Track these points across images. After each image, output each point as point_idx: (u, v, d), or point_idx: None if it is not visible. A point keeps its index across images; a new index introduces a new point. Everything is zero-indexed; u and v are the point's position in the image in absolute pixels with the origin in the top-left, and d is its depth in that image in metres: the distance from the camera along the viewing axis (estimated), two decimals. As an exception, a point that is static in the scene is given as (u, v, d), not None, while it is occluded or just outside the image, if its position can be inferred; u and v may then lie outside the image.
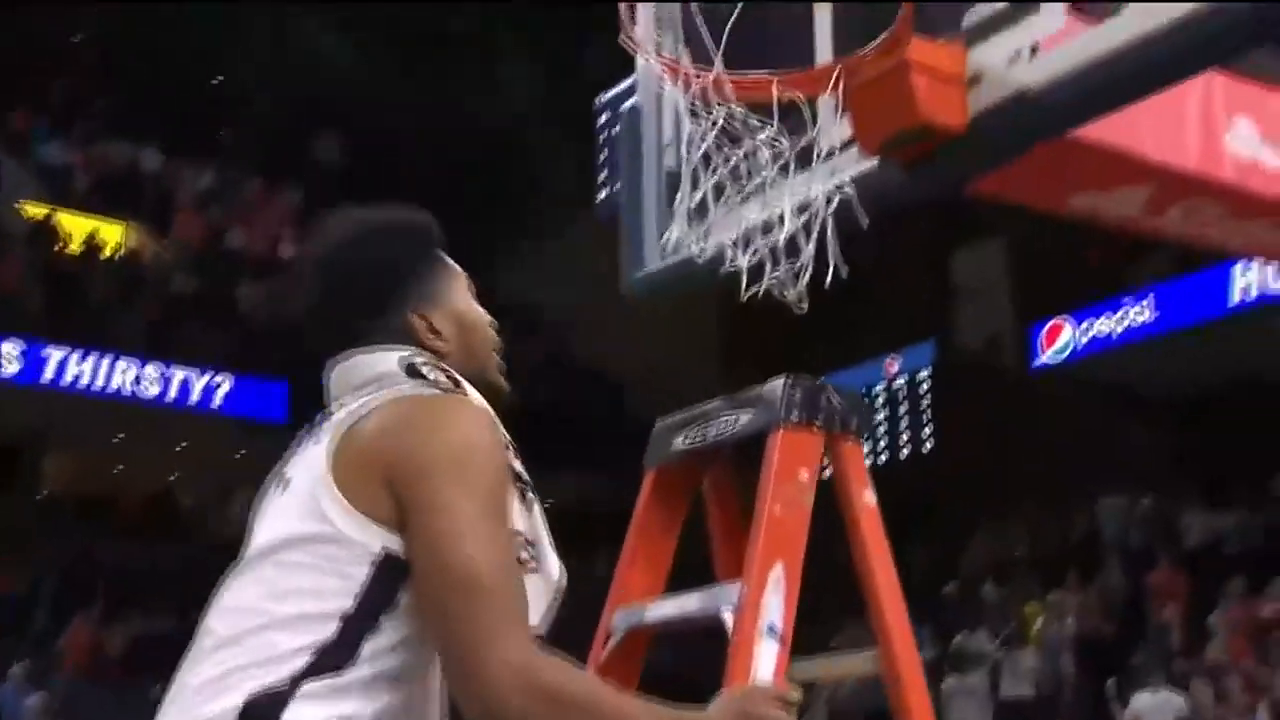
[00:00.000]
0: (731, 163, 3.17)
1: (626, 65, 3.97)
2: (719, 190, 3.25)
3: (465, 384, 1.75)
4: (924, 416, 16.20)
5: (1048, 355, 14.18)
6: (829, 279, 3.05)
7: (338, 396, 1.76)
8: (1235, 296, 12.25)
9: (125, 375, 14.78)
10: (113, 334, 14.88)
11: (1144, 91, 2.90)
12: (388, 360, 1.74)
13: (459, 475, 1.58)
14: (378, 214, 1.87)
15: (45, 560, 14.14)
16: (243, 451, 14.73)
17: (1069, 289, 14.06)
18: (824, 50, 3.26)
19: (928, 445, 16.03)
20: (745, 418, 2.85)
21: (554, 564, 1.69)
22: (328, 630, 1.56)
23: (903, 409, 16.33)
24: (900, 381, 16.39)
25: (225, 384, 15.17)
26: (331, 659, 1.55)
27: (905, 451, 16.11)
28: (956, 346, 16.61)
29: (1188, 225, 3.50)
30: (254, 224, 17.13)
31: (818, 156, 3.19)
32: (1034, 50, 2.97)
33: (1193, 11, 2.67)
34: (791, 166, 3.18)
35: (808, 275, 3.14)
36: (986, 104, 3.00)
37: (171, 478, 16.56)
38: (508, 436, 1.70)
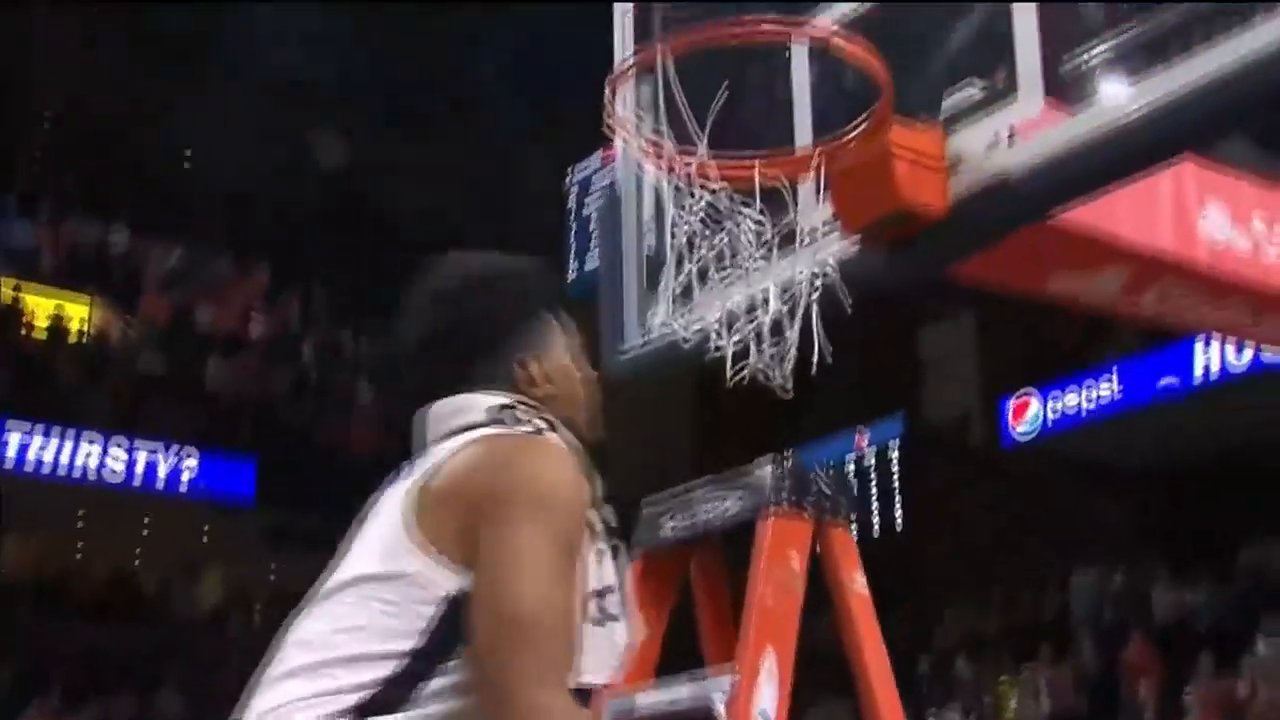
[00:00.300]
0: (715, 245, 3.19)
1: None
2: (703, 273, 3.27)
3: (559, 428, 1.76)
4: (894, 491, 16.22)
5: (1017, 430, 14.26)
6: (814, 362, 3.07)
7: (430, 440, 1.77)
8: (1198, 372, 12.39)
9: (89, 455, 14.57)
10: (77, 413, 14.71)
11: (1120, 179, 2.96)
12: (480, 404, 1.76)
13: (532, 513, 1.58)
14: (499, 259, 1.90)
15: (2, 645, 13.82)
16: (208, 531, 14.52)
17: (1036, 364, 14.19)
18: (805, 134, 3.31)
19: (899, 520, 16.02)
20: (733, 502, 2.84)
21: (624, 620, 1.70)
22: (388, 669, 1.56)
23: (873, 483, 16.35)
24: (870, 456, 16.43)
25: (192, 463, 15.00)
26: (390, 696, 1.55)
27: (876, 526, 16.09)
28: (926, 421, 16.68)
29: (1164, 307, 3.55)
30: (223, 302, 17.08)
31: (800, 239, 3.22)
32: (1012, 136, 3.03)
33: (1166, 103, 2.73)
34: (775, 249, 3.21)
35: (792, 358, 3.16)
36: (967, 188, 3.06)
37: (134, 559, 16.29)
38: (593, 489, 1.69)
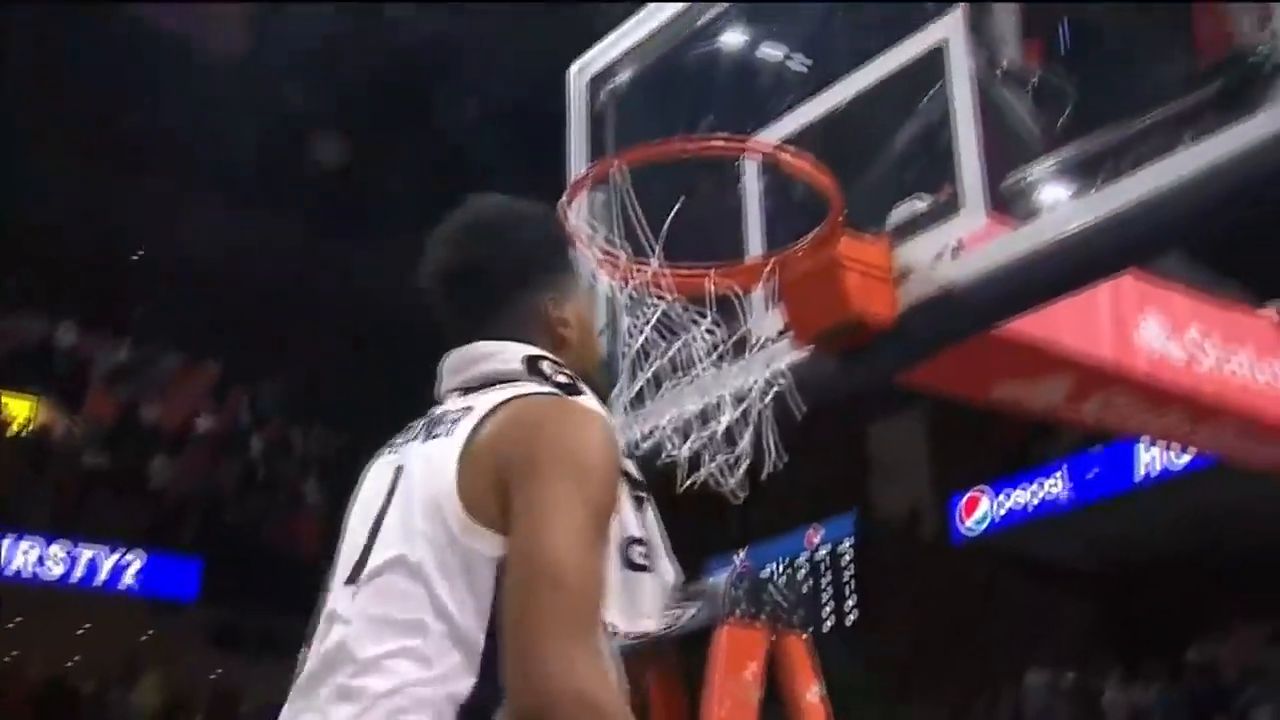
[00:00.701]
0: (669, 353, 3.23)
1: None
2: (657, 380, 3.31)
3: (584, 385, 1.76)
4: (847, 588, 16.18)
5: (967, 527, 14.35)
6: (767, 469, 3.10)
7: (453, 387, 1.76)
8: (1140, 471, 12.57)
9: (28, 555, 14.25)
10: (18, 512, 14.42)
11: (1061, 292, 3.04)
12: (511, 354, 1.75)
13: (567, 473, 1.58)
14: (524, 201, 1.91)
15: (-68, 751, 13.35)
16: (150, 633, 14.18)
17: (985, 462, 14.33)
18: (757, 244, 3.38)
19: (851, 617, 15.97)
20: (690, 612, 2.84)
21: (667, 565, 1.71)
22: (479, 648, 1.56)
23: (825, 580, 16.31)
24: (823, 552, 16.42)
25: (136, 562, 14.69)
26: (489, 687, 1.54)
27: (829, 624, 16.03)
28: (878, 518, 16.74)
29: (1106, 414, 3.63)
30: (169, 399, 16.90)
31: (752, 347, 3.27)
32: (957, 249, 3.12)
33: (1105, 219, 2.83)
34: (727, 357, 3.26)
35: (745, 464, 3.18)
36: (914, 300, 3.13)
37: (69, 662, 15.85)
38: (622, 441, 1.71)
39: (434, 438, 1.69)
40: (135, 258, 18.22)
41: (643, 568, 1.67)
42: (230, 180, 16.73)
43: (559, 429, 1.62)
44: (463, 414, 1.68)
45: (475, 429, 1.65)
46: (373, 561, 1.67)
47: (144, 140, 16.56)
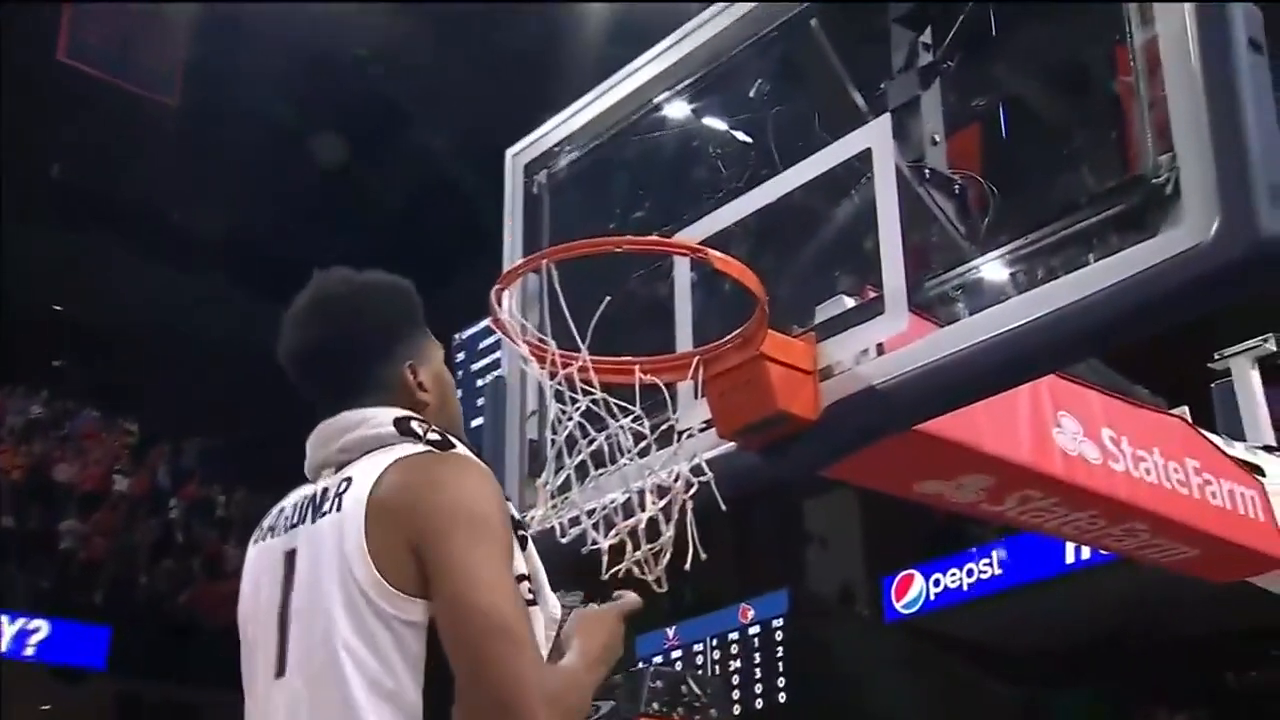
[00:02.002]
0: (594, 444, 3.31)
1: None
2: (581, 470, 3.38)
3: (453, 438, 1.86)
4: (779, 665, 16.19)
5: (901, 606, 14.47)
6: (688, 559, 3.18)
7: (324, 461, 1.84)
8: (1070, 556, 12.78)
9: (-75, 619, 13.90)
10: (-83, 573, 14.09)
11: (981, 394, 3.17)
12: (380, 419, 1.84)
13: (475, 533, 1.70)
14: (376, 273, 2.01)
15: None
16: (53, 704, 13.83)
17: (919, 541, 14.50)
18: (685, 339, 3.48)
19: (782, 695, 15.96)
20: (606, 707, 2.90)
21: (551, 598, 1.84)
22: (413, 711, 1.66)
23: (757, 658, 16.32)
24: (755, 629, 16.44)
25: (41, 629, 14.35)
26: None
27: (759, 702, 16.01)
28: (811, 595, 16.81)
29: (1024, 513, 3.76)
30: (85, 457, 16.62)
31: (677, 439, 3.36)
32: (880, 349, 3.24)
33: (1024, 325, 2.95)
34: (653, 448, 3.34)
35: (667, 557, 3.26)
36: (837, 396, 3.24)
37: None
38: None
39: (323, 515, 1.77)
40: (53, 310, 18.00)
41: (531, 603, 1.79)
42: (154, 235, 16.62)
43: (455, 490, 1.74)
44: (345, 486, 1.77)
45: (369, 499, 1.73)
46: (294, 652, 1.74)
47: (65, 191, 16.44)
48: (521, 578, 1.79)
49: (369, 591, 1.68)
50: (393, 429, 1.83)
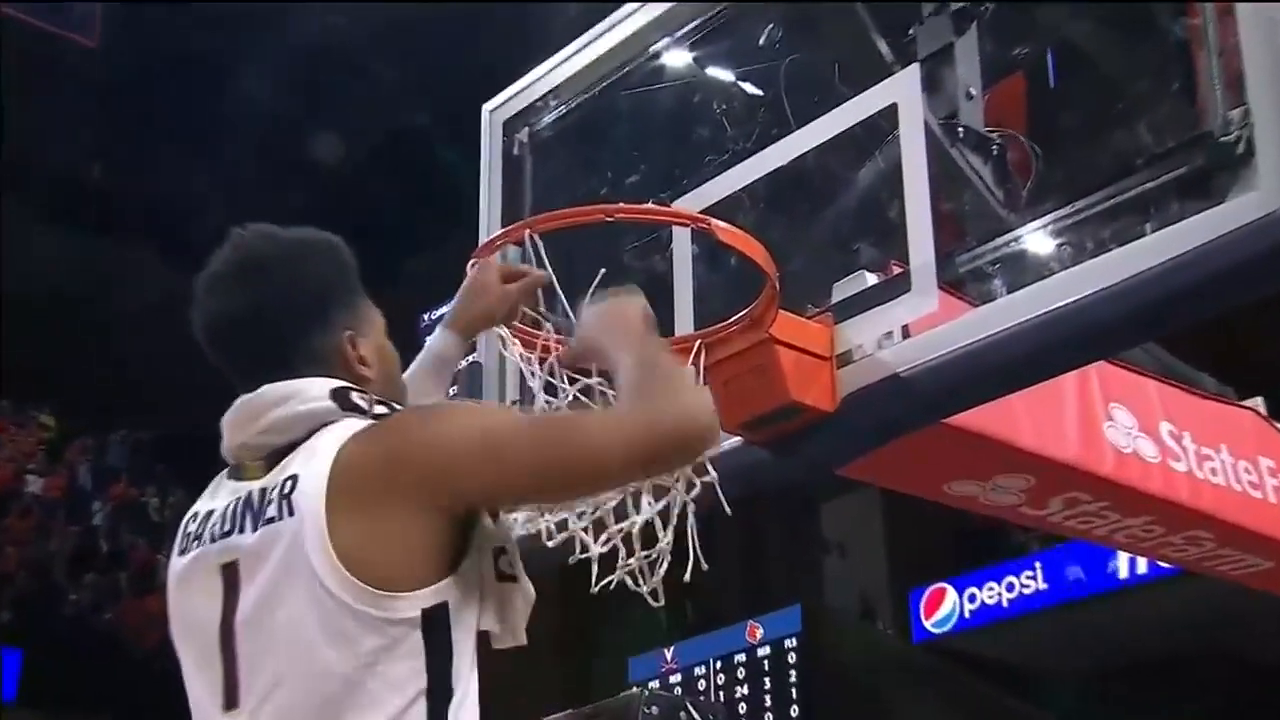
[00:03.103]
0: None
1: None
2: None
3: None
4: (791, 691, 16.25)
5: (930, 624, 14.53)
6: (689, 571, 3.22)
7: (246, 443, 1.84)
8: (1123, 569, 12.83)
9: None
10: None
11: (1021, 383, 3.21)
12: (313, 392, 1.83)
13: (471, 436, 1.77)
14: (309, 230, 2.00)
15: None
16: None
17: (950, 551, 14.55)
18: (685, 320, 3.52)
19: (795, 727, 16.04)
20: (595, 736, 2.94)
21: (522, 581, 1.87)
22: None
23: (766, 682, 16.38)
24: (764, 650, 16.49)
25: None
26: None
27: (769, 734, 16.09)
28: (827, 612, 16.86)
29: (1070, 518, 3.81)
30: (-5, 454, 16.65)
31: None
32: (906, 331, 3.28)
33: (1073, 304, 2.97)
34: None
35: (665, 566, 3.30)
36: (857, 385, 3.28)
37: None
38: None
39: (268, 522, 1.75)
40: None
41: (511, 578, 1.84)
42: (68, 195, 16.50)
43: (422, 429, 1.77)
44: (291, 486, 1.75)
45: (328, 493, 1.72)
46: (251, 682, 1.75)
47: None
48: (499, 550, 1.83)
49: (350, 601, 1.69)
50: (330, 403, 1.82)
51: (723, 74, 4.12)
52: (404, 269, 16.58)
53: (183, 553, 1.87)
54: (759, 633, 16.37)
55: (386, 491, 1.72)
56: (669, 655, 15.41)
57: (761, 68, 3.95)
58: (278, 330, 1.88)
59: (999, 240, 3.39)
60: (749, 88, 4.02)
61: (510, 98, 4.23)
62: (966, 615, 14.31)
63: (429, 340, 2.28)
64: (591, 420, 1.84)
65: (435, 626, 1.72)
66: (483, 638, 1.82)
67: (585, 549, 3.40)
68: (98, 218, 17.05)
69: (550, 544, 3.52)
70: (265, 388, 1.84)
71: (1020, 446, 3.55)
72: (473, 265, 3.26)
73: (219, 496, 1.86)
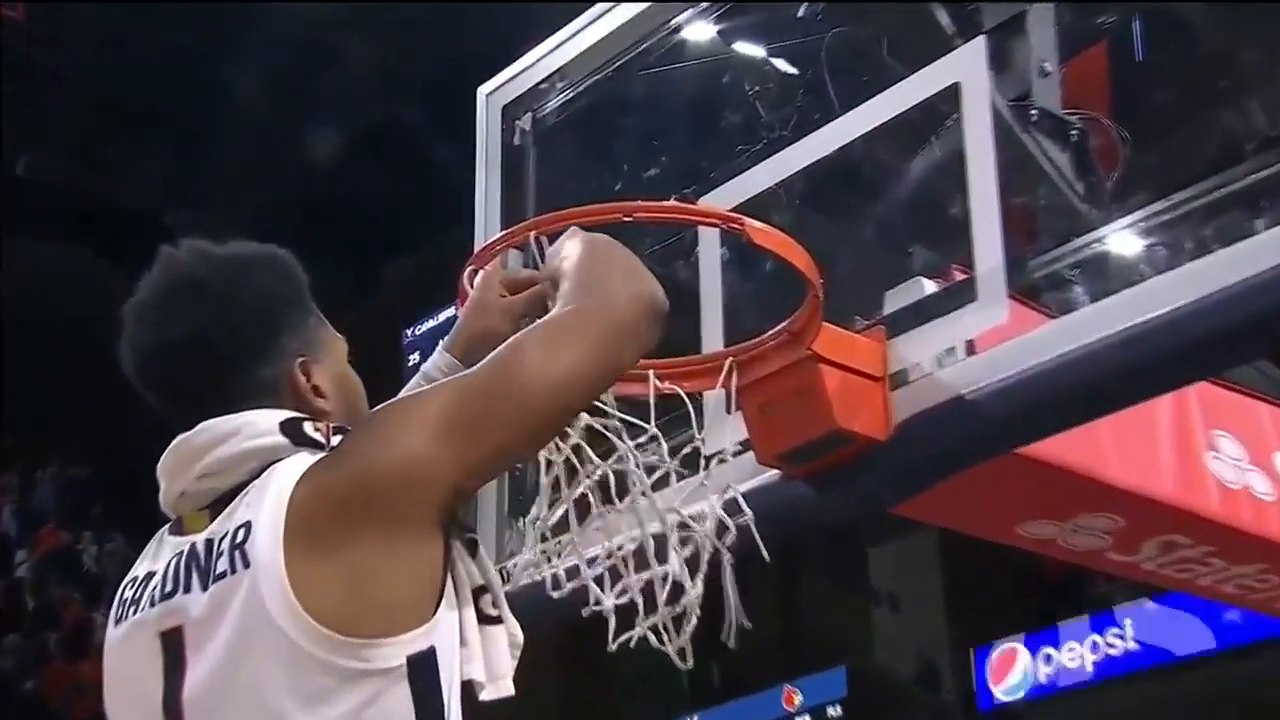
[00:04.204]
0: (598, 472, 3.37)
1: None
2: (580, 506, 3.44)
3: None
4: (836, 769, 16.26)
5: (999, 690, 14.51)
6: (729, 630, 3.23)
7: (186, 491, 1.86)
8: (1229, 626, 12.75)
9: None
10: None
11: (1107, 408, 3.21)
12: (260, 425, 1.85)
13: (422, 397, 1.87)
14: (250, 245, 2.03)
15: None
16: None
17: (1022, 604, 14.51)
18: (714, 335, 3.54)
19: (839, 811, 16.03)
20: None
21: (507, 622, 1.91)
22: None
23: (806, 758, 16.38)
24: (803, 719, 16.49)
25: None
26: None
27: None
28: (877, 674, 16.84)
29: (1166, 565, 3.81)
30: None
31: (705, 466, 3.42)
32: (971, 347, 3.29)
33: (1168, 315, 2.97)
34: (673, 478, 3.40)
35: (693, 622, 3.32)
36: (914, 410, 3.29)
37: None
38: None
39: (218, 579, 1.77)
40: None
41: (495, 619, 1.87)
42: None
43: (381, 443, 1.79)
44: (244, 535, 1.77)
45: (286, 536, 1.74)
46: None
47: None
48: (480, 590, 1.86)
49: (325, 655, 1.72)
50: (280, 437, 1.85)
51: (755, 50, 4.15)
52: (383, 276, 16.65)
53: (118, 622, 1.89)
54: (797, 699, 16.37)
55: (356, 522, 1.74)
56: (694, 728, 15.42)
57: (800, 43, 3.98)
58: (216, 361, 1.91)
59: (1080, 241, 3.41)
60: (785, 66, 4.05)
61: (510, 79, 4.26)
62: (1042, 680, 14.28)
63: (424, 365, 2.31)
64: (529, 346, 1.87)
65: (423, 675, 1.75)
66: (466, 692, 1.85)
67: (599, 601, 3.43)
68: (26, 212, 17.14)
69: (557, 595, 3.55)
70: (204, 424, 1.86)
71: (1107, 481, 3.55)
72: (470, 274, 3.30)
73: (160, 556, 1.88)
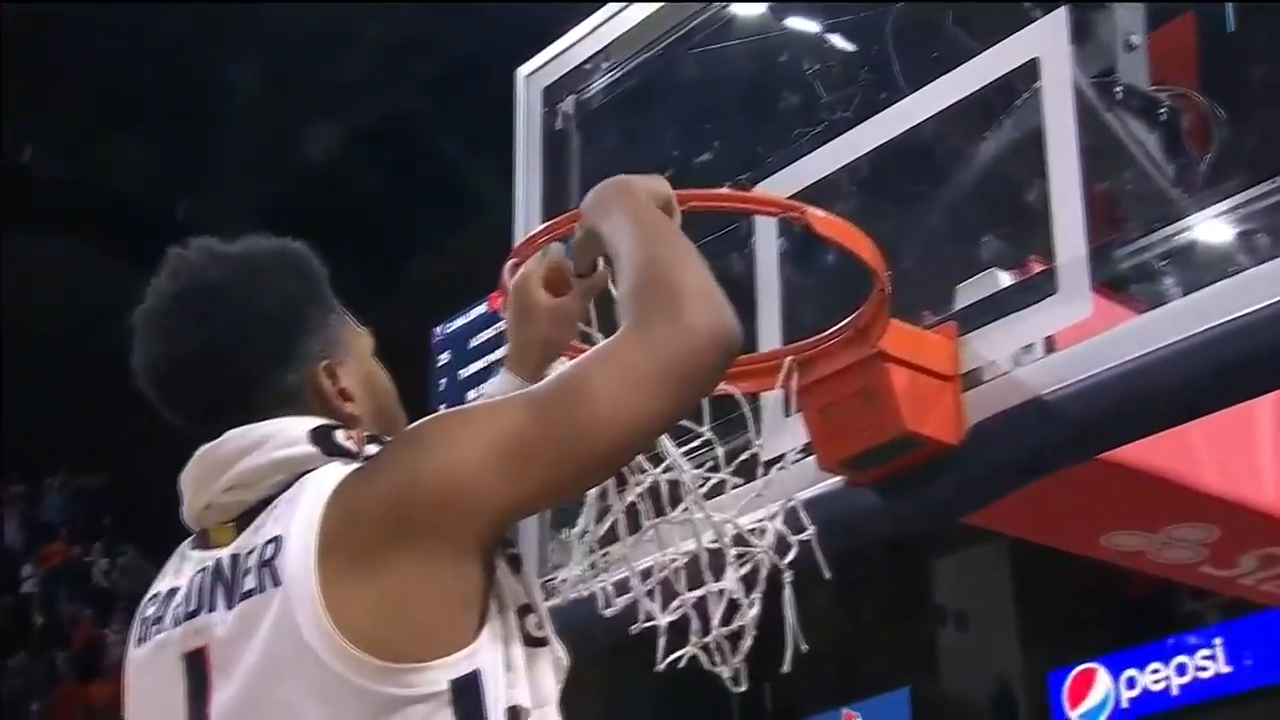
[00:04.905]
0: (647, 480, 3.37)
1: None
2: (630, 516, 3.44)
3: None
4: (898, 800, 16.26)
5: (1077, 715, 14.46)
6: (788, 656, 3.22)
7: (211, 505, 1.87)
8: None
9: None
10: None
11: (1202, 409, 3.19)
12: (289, 435, 1.86)
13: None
14: (265, 240, 2.03)
15: None
16: None
17: (1103, 621, 14.45)
18: (771, 332, 3.54)
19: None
20: None
21: (553, 643, 1.91)
22: None
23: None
24: (863, 747, 16.50)
25: None
26: None
27: None
28: (943, 699, 16.82)
29: (1266, 580, 3.78)
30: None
31: (763, 472, 3.41)
32: (1051, 344, 3.28)
33: (1268, 309, 2.94)
34: (727, 486, 3.40)
35: (749, 642, 3.32)
36: (989, 412, 3.28)
37: None
38: None
39: (246, 596, 1.78)
40: None
41: (540, 641, 1.87)
42: None
43: (423, 458, 1.79)
44: (274, 550, 1.78)
45: (320, 552, 1.75)
46: None
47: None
48: (524, 609, 1.86)
49: (362, 682, 1.72)
50: (310, 447, 1.86)
51: (813, 26, 4.14)
52: (406, 273, 16.70)
53: (141, 641, 1.90)
54: (856, 723, 16.38)
55: (394, 540, 1.75)
56: (744, 753, 15.41)
57: (862, 17, 3.97)
58: (235, 373, 1.92)
59: (1170, 229, 3.38)
60: (846, 43, 4.04)
61: (551, 59, 4.27)
62: (1124, 705, 14.22)
63: (484, 387, 2.33)
64: (595, 380, 1.82)
65: (467, 700, 1.75)
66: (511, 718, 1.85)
67: (650, 617, 3.43)
68: (25, 204, 17.28)
69: (607, 613, 3.55)
70: (229, 433, 1.87)
71: (1202, 489, 3.53)
72: (510, 267, 3.30)
73: (183, 572, 1.89)
